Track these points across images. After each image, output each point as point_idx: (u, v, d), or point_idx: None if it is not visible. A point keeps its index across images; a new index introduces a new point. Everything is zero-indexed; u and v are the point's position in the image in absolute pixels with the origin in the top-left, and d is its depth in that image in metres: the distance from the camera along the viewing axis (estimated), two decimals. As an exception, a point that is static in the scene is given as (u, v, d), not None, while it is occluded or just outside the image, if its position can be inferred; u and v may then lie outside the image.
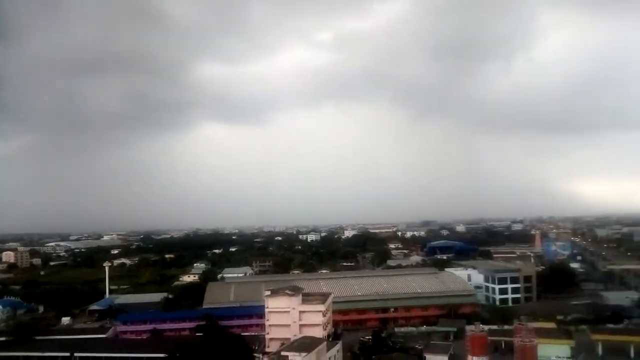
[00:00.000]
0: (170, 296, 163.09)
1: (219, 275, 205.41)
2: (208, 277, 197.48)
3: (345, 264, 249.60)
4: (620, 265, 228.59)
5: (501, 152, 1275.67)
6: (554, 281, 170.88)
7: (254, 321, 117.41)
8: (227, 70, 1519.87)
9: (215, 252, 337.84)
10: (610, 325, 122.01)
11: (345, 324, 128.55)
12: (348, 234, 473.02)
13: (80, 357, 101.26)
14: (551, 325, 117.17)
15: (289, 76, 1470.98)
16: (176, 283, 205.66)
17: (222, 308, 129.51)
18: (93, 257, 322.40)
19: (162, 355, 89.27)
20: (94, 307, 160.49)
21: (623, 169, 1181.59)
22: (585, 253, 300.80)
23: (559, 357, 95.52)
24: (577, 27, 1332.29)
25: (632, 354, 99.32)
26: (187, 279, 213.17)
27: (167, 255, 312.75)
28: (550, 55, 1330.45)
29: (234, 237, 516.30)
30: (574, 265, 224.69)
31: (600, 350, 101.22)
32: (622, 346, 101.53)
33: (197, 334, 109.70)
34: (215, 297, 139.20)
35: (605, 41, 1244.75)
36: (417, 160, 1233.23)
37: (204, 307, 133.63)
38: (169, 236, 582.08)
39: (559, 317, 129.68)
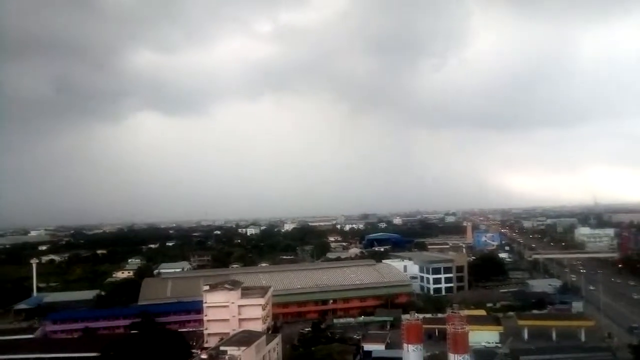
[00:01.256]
0: (103, 293, 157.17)
1: (155, 271, 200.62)
2: (143, 273, 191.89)
3: (285, 257, 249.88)
4: (544, 254, 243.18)
5: (435, 146, 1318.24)
6: (484, 270, 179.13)
7: (192, 317, 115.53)
8: (162, 59, 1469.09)
9: (151, 247, 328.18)
10: (535, 311, 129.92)
11: (285, 316, 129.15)
12: (288, 227, 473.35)
13: (5, 359, 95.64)
14: (481, 312, 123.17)
15: (228, 67, 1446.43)
16: (109, 280, 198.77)
17: (159, 304, 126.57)
18: (19, 253, 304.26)
19: (94, 354, 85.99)
20: (21, 306, 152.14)
21: (548, 164, 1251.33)
22: (513, 243, 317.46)
23: (489, 343, 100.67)
24: (506, 27, 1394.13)
25: (554, 338, 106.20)
26: (121, 275, 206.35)
27: (99, 251, 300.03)
28: (481, 53, 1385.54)
29: (170, 232, 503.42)
30: (503, 255, 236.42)
31: (526, 335, 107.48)
32: (545, 330, 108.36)
33: (132, 332, 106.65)
34: (151, 294, 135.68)
35: (532, 42, 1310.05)
36: (356, 154, 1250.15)
37: (139, 304, 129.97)
38: (101, 231, 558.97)
39: (489, 305, 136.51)
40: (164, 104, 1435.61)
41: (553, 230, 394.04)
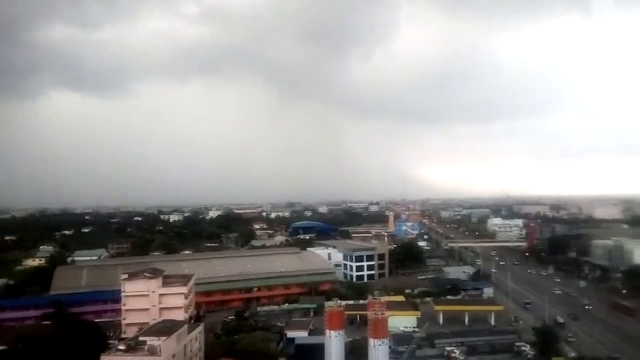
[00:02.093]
0: (11, 282, 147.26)
1: (70, 259, 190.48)
2: (57, 260, 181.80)
3: (209, 244, 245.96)
4: (459, 243, 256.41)
5: (361, 137, 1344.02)
6: (404, 258, 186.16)
7: (109, 306, 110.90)
8: (80, 34, 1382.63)
9: (65, 234, 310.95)
10: (450, 297, 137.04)
11: (208, 305, 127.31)
12: (212, 214, 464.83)
13: None
14: (401, 298, 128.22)
15: (153, 47, 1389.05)
16: (18, 268, 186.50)
17: (73, 294, 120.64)
18: None
19: (2, 347, 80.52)
20: None
21: (465, 158, 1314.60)
22: (432, 232, 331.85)
23: (407, 327, 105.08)
24: (432, 25, 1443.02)
25: (466, 322, 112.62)
26: (32, 263, 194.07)
27: (7, 237, 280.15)
28: (408, 48, 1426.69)
29: (86, 217, 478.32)
30: (422, 243, 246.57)
31: (441, 320, 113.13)
32: (459, 315, 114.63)
33: (44, 323, 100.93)
34: (64, 282, 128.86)
35: (455, 41, 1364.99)
36: (283, 142, 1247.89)
37: (51, 293, 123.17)
38: (9, 216, 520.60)
39: (408, 291, 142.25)
40: (82, 83, 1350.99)
41: (468, 220, 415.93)
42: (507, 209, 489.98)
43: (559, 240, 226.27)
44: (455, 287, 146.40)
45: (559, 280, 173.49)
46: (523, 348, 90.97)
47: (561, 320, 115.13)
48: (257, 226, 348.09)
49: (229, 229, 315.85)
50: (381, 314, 70.10)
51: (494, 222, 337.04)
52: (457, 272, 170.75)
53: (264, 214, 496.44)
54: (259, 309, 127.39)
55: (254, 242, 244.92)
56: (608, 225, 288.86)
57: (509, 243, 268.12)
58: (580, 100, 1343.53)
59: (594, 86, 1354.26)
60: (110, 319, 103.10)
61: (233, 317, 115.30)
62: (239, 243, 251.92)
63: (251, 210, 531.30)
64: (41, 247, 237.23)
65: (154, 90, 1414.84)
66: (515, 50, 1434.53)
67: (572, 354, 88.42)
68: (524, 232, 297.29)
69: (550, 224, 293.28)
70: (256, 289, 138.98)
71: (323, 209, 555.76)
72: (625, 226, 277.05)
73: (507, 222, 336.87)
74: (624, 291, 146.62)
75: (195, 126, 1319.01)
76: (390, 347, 74.85)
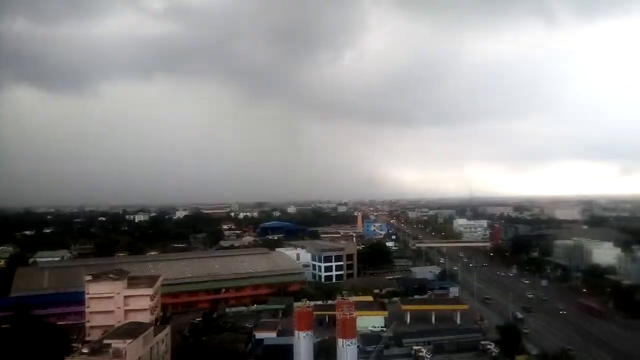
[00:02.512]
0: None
1: (31, 260, 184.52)
2: (16, 262, 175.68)
3: (176, 245, 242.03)
4: (426, 243, 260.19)
5: (330, 138, 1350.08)
6: (373, 258, 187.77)
7: (72, 309, 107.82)
8: (40, 30, 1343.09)
9: (25, 234, 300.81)
10: (417, 297, 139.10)
11: (175, 306, 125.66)
12: (180, 214, 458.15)
13: None
14: (369, 298, 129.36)
15: (117, 43, 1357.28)
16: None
17: (34, 296, 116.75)
18: None
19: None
20: None
21: (432, 159, 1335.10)
22: (399, 233, 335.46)
23: (375, 327, 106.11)
24: (400, 29, 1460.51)
25: (433, 321, 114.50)
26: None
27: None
28: (376, 51, 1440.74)
29: (48, 217, 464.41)
30: (389, 244, 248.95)
31: (408, 319, 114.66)
32: (426, 314, 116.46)
33: (4, 326, 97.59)
34: (25, 284, 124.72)
35: (423, 46, 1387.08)
36: (252, 142, 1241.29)
37: (11, 295, 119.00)
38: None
39: (376, 291, 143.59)
40: (43, 79, 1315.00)
41: (434, 220, 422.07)
42: (472, 209, 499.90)
43: (522, 241, 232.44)
44: (422, 286, 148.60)
45: (521, 279, 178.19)
46: (488, 346, 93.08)
47: (520, 316, 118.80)
48: (225, 226, 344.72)
49: (196, 229, 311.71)
50: (349, 314, 70.66)
51: (460, 223, 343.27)
52: (424, 272, 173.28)
53: (233, 214, 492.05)
54: (227, 310, 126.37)
55: (222, 243, 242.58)
56: (568, 225, 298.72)
57: (474, 243, 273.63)
58: (543, 105, 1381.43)
59: (555, 92, 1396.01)
60: (74, 322, 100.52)
61: (201, 318, 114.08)
62: (206, 243, 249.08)
63: (219, 210, 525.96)
64: (0, 248, 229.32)
65: (119, 88, 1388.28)
66: (481, 55, 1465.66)
67: (534, 352, 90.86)
68: (488, 232, 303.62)
69: (514, 224, 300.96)
70: (224, 290, 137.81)
71: (292, 209, 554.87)
72: (585, 227, 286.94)
73: (472, 222, 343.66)
74: (584, 290, 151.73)
75: (162, 125, 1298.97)
76: (358, 346, 75.49)
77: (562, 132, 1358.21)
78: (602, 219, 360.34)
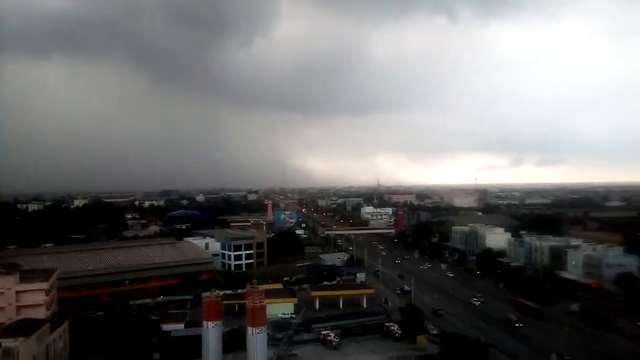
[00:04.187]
0: None
1: None
2: None
3: (75, 236, 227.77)
4: (335, 230, 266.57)
5: (240, 125, 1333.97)
6: (283, 246, 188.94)
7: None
8: None
9: None
10: (326, 283, 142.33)
11: (75, 301, 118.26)
12: (78, 203, 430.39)
13: None
14: (279, 286, 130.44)
15: (9, 18, 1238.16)
16: None
17: None
18: None
19: None
20: None
21: (341, 148, 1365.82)
22: (309, 221, 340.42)
23: (285, 314, 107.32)
24: (312, 19, 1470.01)
25: (341, 305, 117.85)
26: None
27: None
28: (288, 40, 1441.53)
29: None
30: (299, 231, 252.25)
31: (317, 305, 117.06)
32: (334, 299, 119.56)
33: None
34: None
35: (334, 36, 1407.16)
36: (157, 128, 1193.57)
37: None
38: None
39: (286, 279, 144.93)
40: None
41: (343, 208, 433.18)
42: (378, 198, 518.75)
43: (424, 227, 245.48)
44: (331, 273, 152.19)
45: (423, 263, 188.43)
46: (392, 327, 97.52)
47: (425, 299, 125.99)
48: (129, 216, 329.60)
49: (97, 219, 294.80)
50: (259, 302, 70.75)
51: (367, 211, 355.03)
52: (333, 258, 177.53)
53: (137, 203, 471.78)
54: (131, 302, 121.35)
55: (126, 233, 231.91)
56: (465, 212, 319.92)
57: (380, 230, 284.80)
58: (442, 100, 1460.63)
59: (455, 88, 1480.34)
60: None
61: (102, 312, 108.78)
62: (108, 234, 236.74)
63: (122, 199, 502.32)
64: None
65: (10, 66, 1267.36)
66: (388, 49, 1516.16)
67: (435, 332, 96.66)
68: (393, 219, 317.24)
69: (416, 211, 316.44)
70: (128, 282, 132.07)
71: (200, 198, 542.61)
72: (480, 213, 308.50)
73: (378, 210, 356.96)
74: (478, 272, 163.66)
75: (60, 108, 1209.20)
76: (268, 334, 75.96)
77: (460, 125, 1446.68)
78: (495, 206, 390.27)
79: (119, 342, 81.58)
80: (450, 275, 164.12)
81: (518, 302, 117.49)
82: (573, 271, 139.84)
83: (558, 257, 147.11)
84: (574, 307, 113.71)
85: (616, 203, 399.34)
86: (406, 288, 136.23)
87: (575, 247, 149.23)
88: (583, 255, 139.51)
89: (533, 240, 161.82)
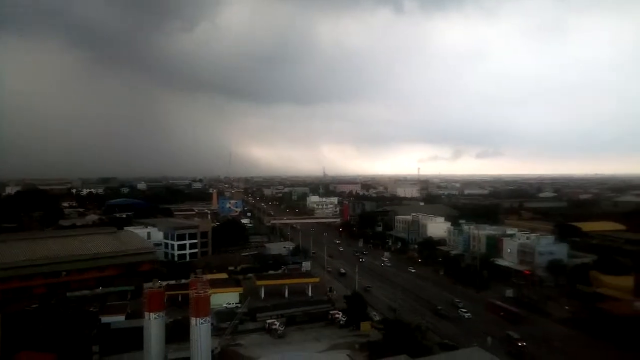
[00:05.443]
0: None
1: None
2: None
3: (6, 225, 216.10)
4: (280, 220, 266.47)
5: (184, 111, 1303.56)
6: (228, 236, 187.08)
7: None
8: None
9: None
10: (272, 272, 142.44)
11: (7, 294, 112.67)
12: (10, 190, 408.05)
13: None
14: (223, 275, 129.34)
15: None
16: None
17: None
18: None
19: None
20: None
21: (287, 137, 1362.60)
22: (254, 210, 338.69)
23: (230, 304, 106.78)
24: (258, 7, 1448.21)
25: (286, 294, 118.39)
26: None
27: None
28: (234, 26, 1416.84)
29: None
30: (245, 220, 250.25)
31: (263, 294, 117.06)
32: (279, 288, 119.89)
33: None
34: None
35: (280, 25, 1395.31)
36: (95, 113, 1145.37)
37: None
38: None
39: (231, 268, 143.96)
40: None
41: (289, 198, 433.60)
42: (324, 187, 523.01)
43: (368, 216, 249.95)
44: (276, 262, 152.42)
45: (367, 252, 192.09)
46: (336, 315, 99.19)
47: (369, 286, 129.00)
48: (65, 204, 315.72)
49: (31, 207, 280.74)
50: (203, 292, 70.03)
51: (313, 200, 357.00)
52: (279, 247, 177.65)
53: (74, 190, 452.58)
54: (68, 294, 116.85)
55: (62, 222, 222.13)
56: (408, 202, 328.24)
57: (326, 219, 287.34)
58: (386, 91, 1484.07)
59: (399, 80, 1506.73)
60: None
61: (36, 305, 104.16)
62: (43, 223, 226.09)
63: (58, 187, 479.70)
64: None
65: None
66: (335, 38, 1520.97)
67: (377, 318, 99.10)
68: (338, 209, 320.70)
69: (361, 201, 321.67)
70: (65, 273, 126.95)
71: (142, 186, 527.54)
72: (422, 203, 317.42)
73: (324, 199, 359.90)
74: (419, 260, 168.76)
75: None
76: (212, 324, 75.39)
77: (404, 117, 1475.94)
78: (437, 196, 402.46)
79: (55, 335, 78.56)
80: (389, 264, 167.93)
81: (457, 289, 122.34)
82: (508, 259, 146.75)
83: (494, 245, 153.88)
84: (508, 292, 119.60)
85: (548, 194, 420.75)
86: (342, 270, 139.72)
87: (511, 235, 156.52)
88: (517, 243, 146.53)
89: (471, 229, 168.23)
